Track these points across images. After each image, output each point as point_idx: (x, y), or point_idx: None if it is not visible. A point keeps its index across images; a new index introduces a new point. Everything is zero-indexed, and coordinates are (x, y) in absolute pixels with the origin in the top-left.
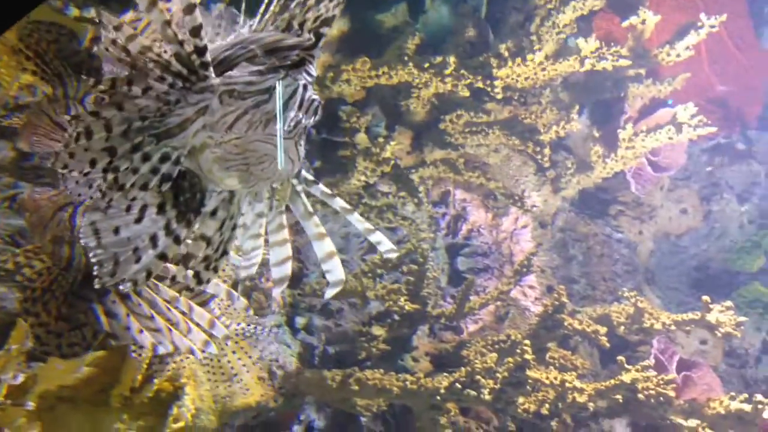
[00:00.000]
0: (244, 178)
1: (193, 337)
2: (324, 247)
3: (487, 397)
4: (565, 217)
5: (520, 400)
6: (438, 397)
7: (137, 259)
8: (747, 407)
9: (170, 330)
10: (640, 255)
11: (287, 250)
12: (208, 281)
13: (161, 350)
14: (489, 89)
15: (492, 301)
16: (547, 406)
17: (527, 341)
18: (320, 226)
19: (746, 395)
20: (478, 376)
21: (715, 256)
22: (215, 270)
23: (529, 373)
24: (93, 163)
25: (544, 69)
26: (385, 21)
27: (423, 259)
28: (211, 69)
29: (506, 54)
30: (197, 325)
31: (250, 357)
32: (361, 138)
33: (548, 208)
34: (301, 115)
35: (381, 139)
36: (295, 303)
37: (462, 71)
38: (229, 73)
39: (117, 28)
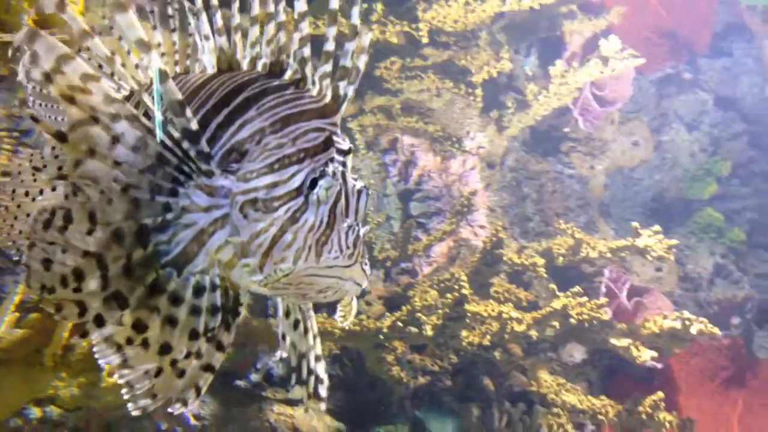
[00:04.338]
0: (299, 300)
1: None
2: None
3: (429, 333)
4: (516, 157)
5: (464, 333)
6: (381, 336)
7: (180, 373)
8: (677, 325)
9: None
10: (593, 189)
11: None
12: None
13: None
14: (415, 33)
15: (436, 242)
16: (488, 337)
17: (464, 277)
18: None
19: (677, 314)
20: (419, 314)
21: (669, 185)
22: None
23: (467, 307)
24: (99, 321)
25: (473, 11)
26: None
27: None
28: (213, 163)
29: None
30: None
31: None
32: None
33: (495, 148)
34: (354, 222)
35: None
36: None
37: (390, 18)
38: (240, 166)
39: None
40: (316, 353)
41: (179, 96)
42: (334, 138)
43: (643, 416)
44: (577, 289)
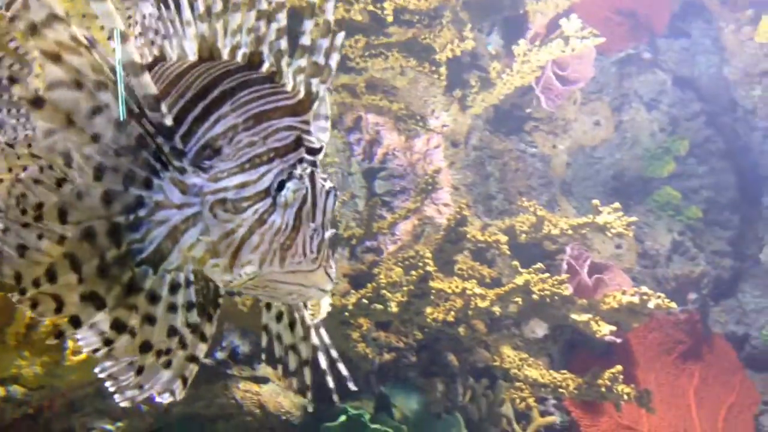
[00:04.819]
0: (270, 300)
1: None
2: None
3: (394, 310)
4: (480, 136)
5: (428, 310)
6: (346, 314)
7: (166, 364)
8: (636, 300)
9: None
10: (555, 168)
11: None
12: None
13: None
14: (380, 12)
15: (401, 220)
16: (452, 314)
17: (429, 254)
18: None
19: (635, 289)
20: (384, 291)
21: (629, 164)
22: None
23: (432, 284)
24: (75, 322)
25: None
26: None
27: None
28: (186, 160)
29: None
30: None
31: None
32: None
33: (459, 127)
34: (321, 227)
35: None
36: None
37: None
38: (212, 163)
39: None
40: (312, 344)
41: (154, 90)
42: (305, 137)
43: (603, 389)
44: (539, 265)
